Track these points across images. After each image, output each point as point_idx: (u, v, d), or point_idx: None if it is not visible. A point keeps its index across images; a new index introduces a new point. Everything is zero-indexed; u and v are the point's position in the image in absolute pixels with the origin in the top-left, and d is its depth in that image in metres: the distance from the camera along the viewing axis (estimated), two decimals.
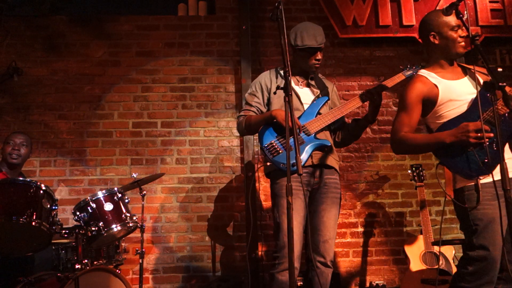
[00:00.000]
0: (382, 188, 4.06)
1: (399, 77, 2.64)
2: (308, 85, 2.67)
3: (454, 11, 2.01)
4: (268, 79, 2.64)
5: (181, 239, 3.85)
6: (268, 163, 2.49)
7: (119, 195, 2.92)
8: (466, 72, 2.24)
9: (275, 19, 2.05)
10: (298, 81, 2.65)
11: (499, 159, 1.89)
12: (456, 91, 2.17)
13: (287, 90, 1.92)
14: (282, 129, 2.42)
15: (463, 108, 2.13)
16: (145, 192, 3.31)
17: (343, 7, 4.19)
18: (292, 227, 1.76)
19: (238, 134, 4.01)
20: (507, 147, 2.09)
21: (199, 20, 4.25)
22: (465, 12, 2.09)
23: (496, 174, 1.92)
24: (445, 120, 2.17)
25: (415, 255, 3.38)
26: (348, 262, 3.91)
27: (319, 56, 2.60)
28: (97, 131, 3.97)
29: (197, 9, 4.31)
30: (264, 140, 2.44)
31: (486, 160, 1.99)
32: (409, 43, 4.23)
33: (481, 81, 2.18)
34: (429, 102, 2.21)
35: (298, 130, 2.39)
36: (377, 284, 3.74)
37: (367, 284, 3.87)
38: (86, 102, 4.02)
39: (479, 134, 1.97)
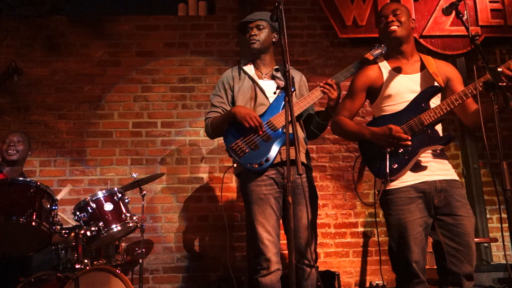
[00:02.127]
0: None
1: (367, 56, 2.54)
2: (273, 77, 2.55)
3: (454, 11, 2.01)
4: (230, 76, 2.57)
5: (181, 239, 3.84)
6: (235, 165, 2.40)
7: (119, 195, 2.92)
8: (424, 67, 2.20)
9: (275, 19, 2.04)
10: (262, 74, 2.56)
11: (405, 167, 2.05)
12: (399, 87, 2.17)
13: (287, 90, 1.91)
14: (245, 127, 2.33)
15: (400, 106, 2.15)
16: (145, 192, 3.31)
17: (343, 7, 4.19)
18: (292, 226, 1.75)
19: None
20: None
21: (199, 20, 4.25)
22: (465, 12, 2.09)
23: (412, 179, 2.06)
24: (382, 114, 2.21)
25: None
26: (348, 262, 3.91)
27: (254, 31, 2.52)
28: (97, 131, 3.97)
29: (197, 9, 4.32)
30: (229, 140, 2.37)
31: (394, 166, 2.07)
32: None
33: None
34: (374, 92, 2.25)
35: (260, 127, 2.31)
36: (377, 284, 3.73)
37: (367, 284, 3.86)
38: (86, 102, 4.02)
39: (395, 141, 2.05)
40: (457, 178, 2.15)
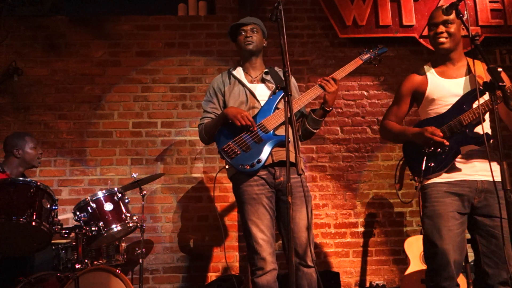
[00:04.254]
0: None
1: (356, 62, 2.58)
2: (263, 81, 2.57)
3: (454, 11, 2.01)
4: (220, 81, 2.59)
5: (181, 239, 3.85)
6: (227, 166, 2.40)
7: (119, 195, 2.92)
8: (470, 71, 2.22)
9: (275, 20, 2.04)
10: (252, 77, 2.58)
11: (445, 167, 2.09)
12: (442, 91, 2.20)
13: (287, 90, 1.90)
14: (238, 128, 2.35)
15: (444, 109, 2.18)
16: (145, 192, 3.31)
17: (343, 7, 4.19)
18: (292, 227, 1.75)
19: None
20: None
21: (199, 20, 4.25)
22: (465, 12, 2.09)
23: (452, 177, 2.10)
24: (427, 117, 2.26)
25: (415, 255, 3.37)
26: (348, 262, 3.91)
27: (249, 33, 2.54)
28: (97, 131, 3.97)
29: (197, 9, 4.31)
30: (221, 142, 2.38)
31: (431, 165, 2.13)
32: (409, 43, 4.23)
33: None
34: (419, 97, 2.30)
35: (251, 125, 2.33)
36: (377, 284, 3.74)
37: (367, 284, 3.86)
38: (86, 102, 4.02)
39: (431, 141, 2.10)
40: None
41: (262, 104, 2.46)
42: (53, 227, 2.45)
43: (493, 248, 2.00)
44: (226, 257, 3.84)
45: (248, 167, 2.30)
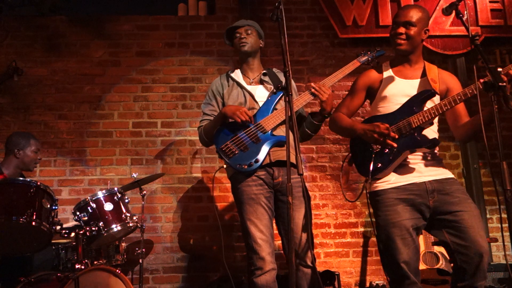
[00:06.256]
0: None
1: (353, 64, 2.55)
2: (262, 82, 2.59)
3: (454, 11, 2.02)
4: (219, 84, 2.61)
5: (181, 239, 3.85)
6: (226, 166, 2.42)
7: (119, 195, 2.92)
8: (425, 74, 2.22)
9: (275, 19, 2.04)
10: (250, 79, 2.59)
11: (388, 166, 2.07)
12: (395, 90, 2.20)
13: (287, 90, 1.91)
14: (236, 128, 2.37)
15: (393, 108, 2.18)
16: (145, 192, 3.31)
17: (343, 7, 4.20)
18: (292, 227, 1.75)
19: None
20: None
21: (199, 20, 4.25)
22: (465, 12, 2.09)
23: (400, 181, 2.08)
24: (376, 114, 2.24)
25: None
26: (348, 262, 3.91)
27: (243, 35, 2.56)
28: (97, 131, 3.97)
29: (197, 9, 4.32)
30: (219, 142, 2.40)
31: (378, 165, 2.10)
32: None
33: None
34: (372, 93, 2.30)
35: (251, 124, 2.35)
36: (377, 284, 3.74)
37: (367, 284, 3.86)
38: (86, 102, 4.02)
39: (381, 139, 2.08)
40: (451, 176, 2.14)
41: (260, 105, 2.48)
42: (53, 227, 2.45)
43: (463, 243, 1.96)
44: (226, 257, 3.83)
45: (246, 166, 2.31)
